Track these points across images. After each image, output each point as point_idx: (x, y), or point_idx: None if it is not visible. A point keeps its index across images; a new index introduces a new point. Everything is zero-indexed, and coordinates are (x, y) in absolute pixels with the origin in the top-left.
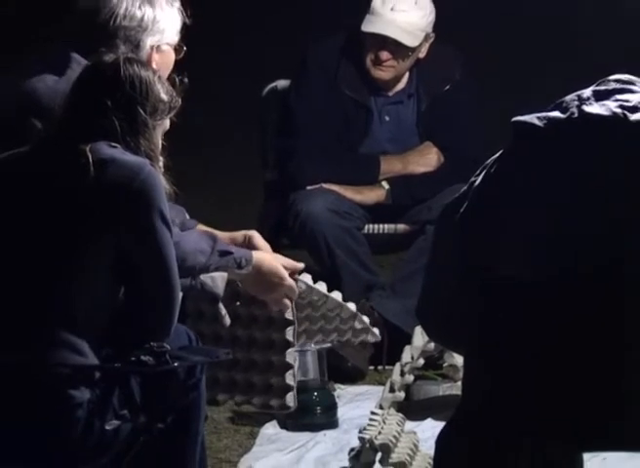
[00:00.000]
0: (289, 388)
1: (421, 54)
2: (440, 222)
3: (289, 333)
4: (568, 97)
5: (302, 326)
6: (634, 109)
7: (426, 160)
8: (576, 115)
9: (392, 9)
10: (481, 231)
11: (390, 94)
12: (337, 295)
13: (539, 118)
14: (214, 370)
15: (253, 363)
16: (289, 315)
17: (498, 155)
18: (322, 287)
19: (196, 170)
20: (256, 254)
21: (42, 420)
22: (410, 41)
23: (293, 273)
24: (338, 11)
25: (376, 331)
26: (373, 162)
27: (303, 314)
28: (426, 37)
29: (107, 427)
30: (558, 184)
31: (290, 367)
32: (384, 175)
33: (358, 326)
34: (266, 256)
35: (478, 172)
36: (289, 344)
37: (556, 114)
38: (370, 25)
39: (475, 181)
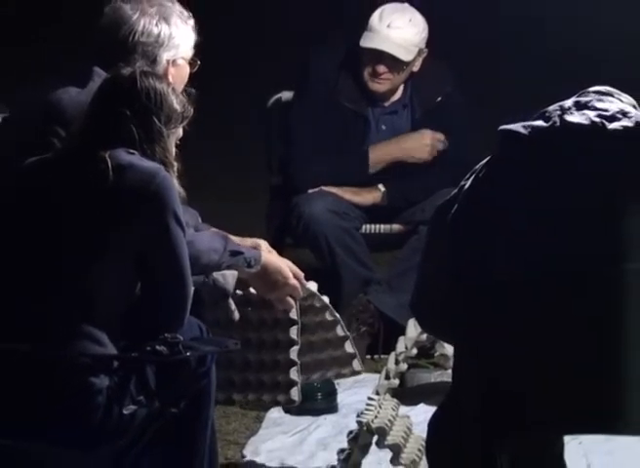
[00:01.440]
0: (293, 383)
1: (415, 67)
2: (432, 224)
3: (293, 332)
4: (551, 107)
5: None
6: (612, 118)
7: (421, 144)
8: (558, 124)
9: (388, 26)
10: (470, 232)
11: (386, 104)
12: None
13: (524, 126)
14: (229, 372)
15: (262, 363)
16: (293, 315)
17: (486, 160)
18: (324, 298)
19: (197, 172)
20: (264, 255)
21: (66, 405)
22: (404, 56)
23: (297, 278)
24: (338, 25)
25: (359, 362)
26: (361, 156)
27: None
28: (420, 52)
29: (125, 412)
30: (542, 188)
31: (294, 363)
32: (377, 165)
33: (349, 349)
34: (274, 257)
35: (468, 176)
36: (293, 342)
37: (540, 123)
38: (368, 41)
39: (465, 185)
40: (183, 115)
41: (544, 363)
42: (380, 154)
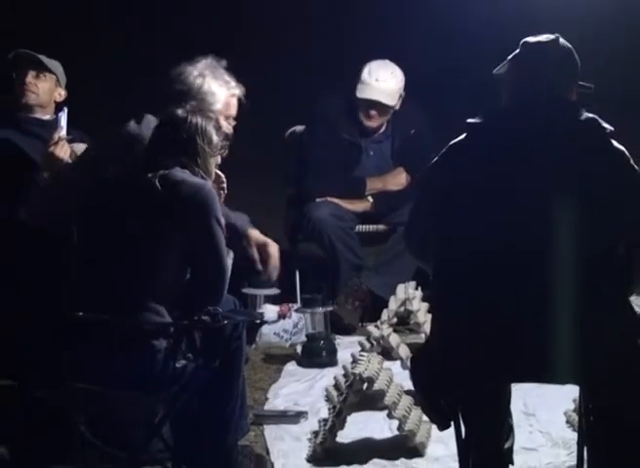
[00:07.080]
0: None
1: (397, 107)
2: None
3: None
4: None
5: None
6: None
7: (398, 180)
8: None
9: (377, 80)
10: (443, 195)
11: (374, 136)
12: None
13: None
14: None
15: None
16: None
17: (459, 139)
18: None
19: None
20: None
21: (135, 361)
22: (390, 102)
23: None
24: (337, 74)
25: None
26: (361, 182)
27: None
28: (400, 96)
29: (178, 365)
30: (494, 157)
31: None
32: (370, 192)
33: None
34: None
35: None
36: None
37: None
38: (362, 92)
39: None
40: (222, 145)
41: (492, 326)
42: (371, 187)
